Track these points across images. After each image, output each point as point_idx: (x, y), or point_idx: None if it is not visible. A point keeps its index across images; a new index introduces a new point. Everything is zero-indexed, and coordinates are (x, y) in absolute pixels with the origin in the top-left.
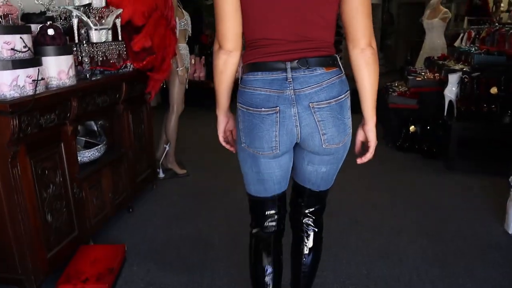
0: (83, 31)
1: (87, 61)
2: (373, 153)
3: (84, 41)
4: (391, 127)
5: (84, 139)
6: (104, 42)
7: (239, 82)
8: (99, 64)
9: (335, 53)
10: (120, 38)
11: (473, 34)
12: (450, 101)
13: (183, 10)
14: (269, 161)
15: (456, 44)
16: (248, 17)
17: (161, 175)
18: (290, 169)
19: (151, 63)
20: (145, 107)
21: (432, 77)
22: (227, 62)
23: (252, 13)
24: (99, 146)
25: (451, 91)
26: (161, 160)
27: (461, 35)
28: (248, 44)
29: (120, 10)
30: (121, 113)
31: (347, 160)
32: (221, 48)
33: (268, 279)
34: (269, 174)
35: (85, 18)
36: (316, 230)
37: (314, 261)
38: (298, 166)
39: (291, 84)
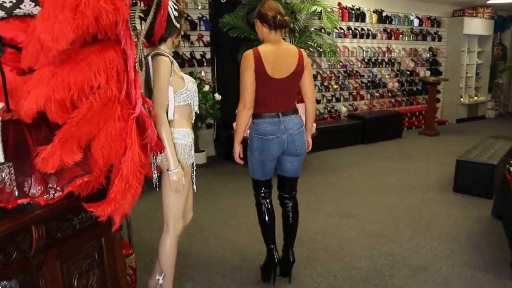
0: None
1: None
2: (311, 146)
3: None
4: None
5: None
6: None
7: (251, 123)
8: None
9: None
10: (2, 158)
11: None
12: None
13: (183, 75)
14: (270, 161)
15: None
16: (259, 91)
17: None
18: (275, 163)
19: (87, 188)
20: (104, 240)
21: None
22: (247, 115)
23: (262, 90)
24: None
25: None
26: None
27: None
28: (255, 102)
29: None
30: (35, 270)
31: None
32: (245, 107)
33: (268, 219)
34: (269, 167)
35: None
36: (293, 203)
37: (295, 220)
38: (283, 165)
39: (282, 123)
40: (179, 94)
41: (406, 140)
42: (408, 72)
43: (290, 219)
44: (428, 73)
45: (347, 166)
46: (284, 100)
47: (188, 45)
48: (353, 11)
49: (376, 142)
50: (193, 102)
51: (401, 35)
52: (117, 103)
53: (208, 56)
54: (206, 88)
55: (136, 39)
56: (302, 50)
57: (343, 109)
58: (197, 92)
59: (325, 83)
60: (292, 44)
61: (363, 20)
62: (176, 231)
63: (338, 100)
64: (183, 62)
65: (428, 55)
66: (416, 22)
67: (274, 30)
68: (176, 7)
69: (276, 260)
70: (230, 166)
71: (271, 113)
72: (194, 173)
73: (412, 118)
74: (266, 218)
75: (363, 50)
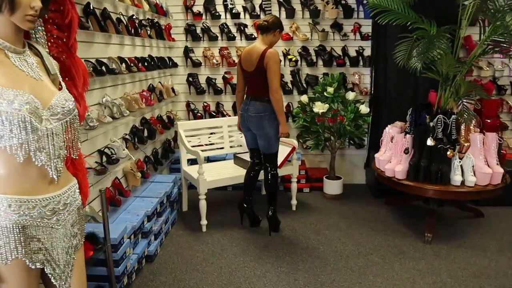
0: None
1: None
2: (283, 132)
3: None
4: None
5: None
6: None
7: None
8: None
9: (267, 97)
10: None
11: None
12: None
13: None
14: (245, 132)
15: None
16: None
17: None
18: (254, 137)
19: None
20: None
21: None
22: (239, 97)
23: (243, 79)
24: None
25: None
26: None
27: None
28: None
29: None
30: None
31: None
32: (237, 90)
33: (247, 178)
34: (248, 137)
35: None
36: (267, 171)
37: (270, 184)
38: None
39: (247, 105)
40: None
41: None
42: None
43: (268, 181)
44: None
45: None
46: (252, 88)
47: (339, 38)
48: None
49: None
50: (20, 145)
51: None
52: None
53: (367, 52)
54: (351, 95)
55: None
56: (269, 50)
57: None
58: (36, 126)
59: None
60: (483, 35)
61: None
62: None
63: None
64: (331, 60)
65: None
66: None
67: (260, 33)
68: None
69: (245, 205)
70: (373, 203)
71: (246, 96)
72: (50, 271)
73: None
74: (247, 176)
75: None
